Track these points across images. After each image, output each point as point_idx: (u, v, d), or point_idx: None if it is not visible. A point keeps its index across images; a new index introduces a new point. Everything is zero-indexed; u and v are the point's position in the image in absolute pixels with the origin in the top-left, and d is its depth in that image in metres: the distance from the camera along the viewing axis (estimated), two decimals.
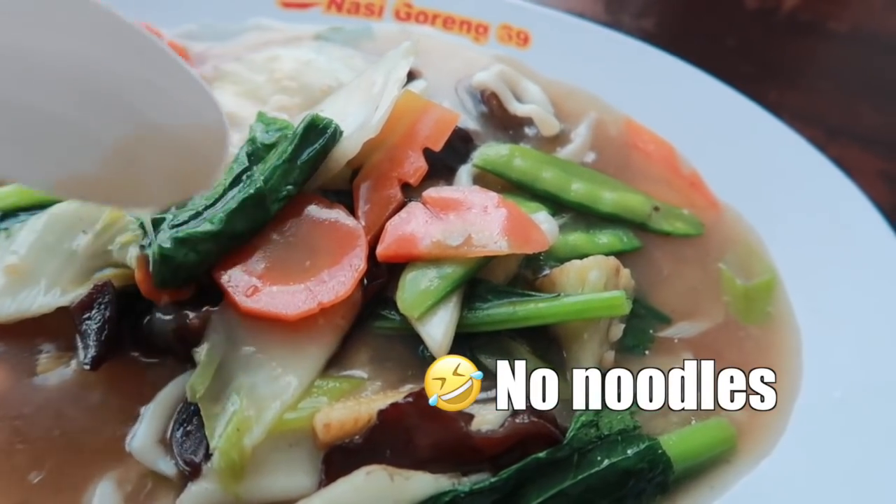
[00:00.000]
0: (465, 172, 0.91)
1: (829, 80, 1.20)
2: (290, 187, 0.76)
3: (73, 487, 0.68)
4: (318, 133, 0.79)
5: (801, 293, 0.85)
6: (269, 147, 0.82)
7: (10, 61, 0.50)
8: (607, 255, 0.83)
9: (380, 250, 0.75)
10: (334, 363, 0.74)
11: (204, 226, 0.72)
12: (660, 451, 0.70)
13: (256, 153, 0.81)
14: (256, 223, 0.74)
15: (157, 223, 0.75)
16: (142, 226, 0.74)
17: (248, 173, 0.78)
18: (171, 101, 0.57)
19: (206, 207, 0.75)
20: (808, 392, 0.78)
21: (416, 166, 0.83)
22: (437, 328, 0.72)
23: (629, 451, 0.70)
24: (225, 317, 0.73)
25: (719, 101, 1.01)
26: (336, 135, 0.79)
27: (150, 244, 0.72)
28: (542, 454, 0.68)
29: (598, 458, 0.69)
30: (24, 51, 0.50)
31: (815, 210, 0.91)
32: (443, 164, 0.91)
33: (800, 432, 0.75)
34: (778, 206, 0.92)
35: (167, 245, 0.71)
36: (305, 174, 0.77)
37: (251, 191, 0.74)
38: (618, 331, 0.78)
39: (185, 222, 0.74)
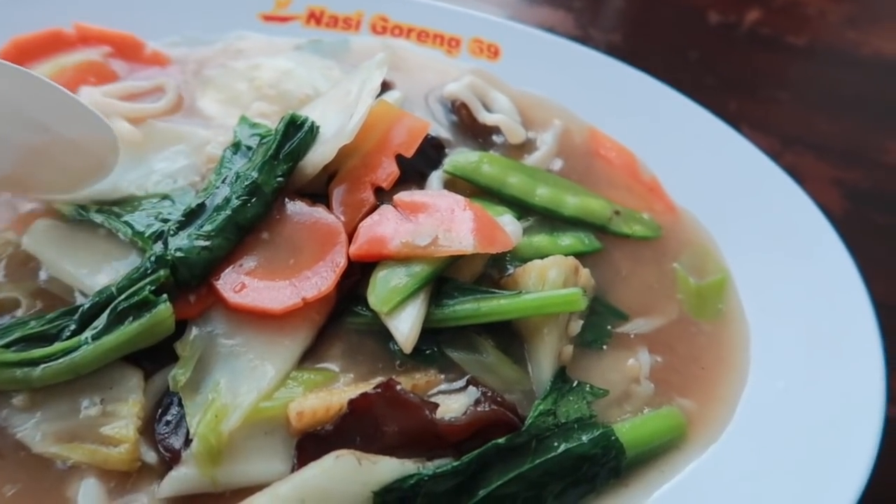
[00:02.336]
0: (436, 178, 0.96)
1: (786, 91, 1.26)
2: (279, 179, 0.83)
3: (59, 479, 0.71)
4: (297, 128, 0.87)
5: (751, 291, 0.90)
6: (252, 148, 0.88)
7: None
8: (569, 256, 0.88)
9: (352, 250, 0.80)
10: (310, 356, 0.79)
11: (207, 226, 0.79)
12: (613, 438, 0.76)
13: (242, 154, 0.89)
14: (256, 215, 0.80)
15: (158, 236, 0.80)
16: None
17: (237, 171, 0.84)
18: (70, 119, 0.80)
19: (199, 205, 0.81)
20: (755, 383, 0.83)
21: (388, 172, 0.88)
22: (405, 323, 0.77)
23: (584, 438, 0.75)
24: (207, 312, 0.78)
25: (679, 112, 1.06)
26: (313, 129, 0.86)
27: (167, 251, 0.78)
28: (501, 440, 0.72)
29: (555, 444, 0.74)
30: None
31: (766, 214, 0.96)
32: (415, 170, 0.96)
33: (746, 420, 0.80)
34: (731, 210, 0.97)
35: (184, 244, 0.77)
36: (289, 166, 0.84)
37: (247, 184, 0.81)
38: (576, 326, 0.83)
39: (186, 223, 0.80)
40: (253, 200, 0.80)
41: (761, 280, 0.91)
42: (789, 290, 0.90)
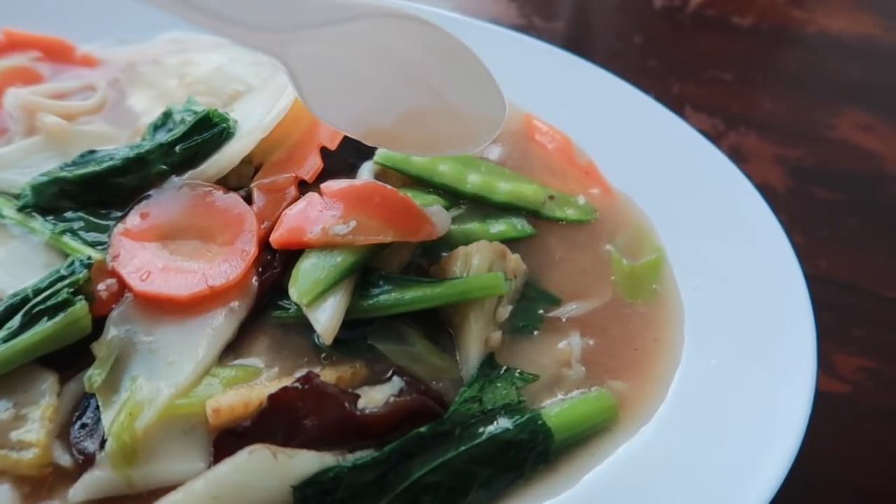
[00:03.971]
0: (366, 169, 0.95)
1: (731, 72, 1.26)
2: (163, 167, 0.84)
3: None
4: (207, 127, 0.87)
5: (686, 271, 0.89)
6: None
7: (374, 51, 0.75)
8: (501, 241, 0.87)
9: (273, 236, 0.80)
10: (233, 352, 0.78)
11: (91, 166, 0.84)
12: (540, 422, 0.75)
13: (164, 126, 0.91)
14: (130, 182, 0.84)
15: None
16: None
17: (144, 141, 0.88)
18: (467, 92, 0.79)
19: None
20: (688, 362, 0.82)
21: (312, 165, 0.87)
22: (325, 314, 0.76)
23: (510, 424, 0.74)
24: (124, 310, 0.76)
25: (615, 96, 1.06)
26: (224, 133, 0.86)
27: None
28: (423, 429, 0.71)
29: (480, 431, 0.73)
30: (386, 45, 0.75)
31: (702, 194, 0.95)
32: (345, 162, 0.95)
33: (678, 400, 0.79)
34: (668, 191, 0.96)
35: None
36: (181, 160, 0.85)
37: (133, 154, 0.84)
38: (504, 312, 0.82)
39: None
40: (130, 170, 0.83)
41: (696, 259, 0.90)
42: (724, 269, 0.89)
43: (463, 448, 0.71)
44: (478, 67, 0.77)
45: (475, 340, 0.79)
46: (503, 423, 0.74)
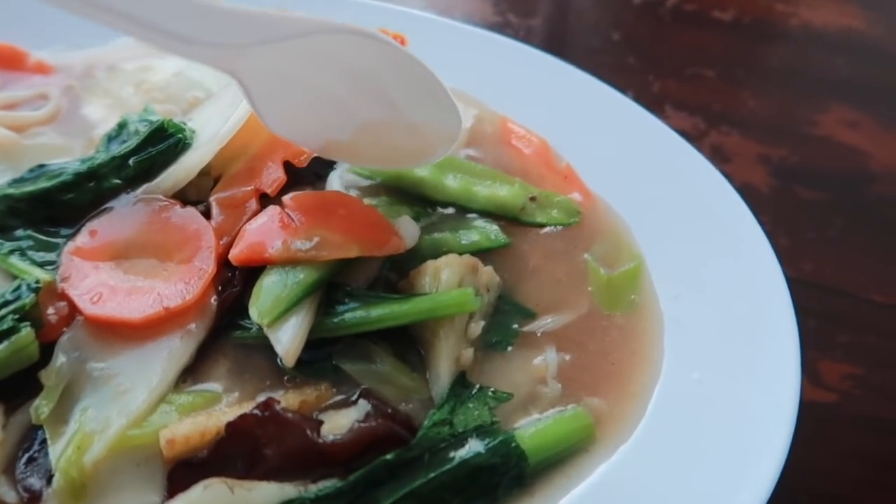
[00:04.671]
0: (335, 178, 0.91)
1: (712, 68, 1.22)
2: (117, 181, 0.80)
3: None
4: (162, 138, 0.82)
5: (666, 280, 0.86)
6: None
7: (329, 66, 0.75)
8: (474, 253, 0.84)
9: (232, 253, 0.76)
10: (191, 377, 0.74)
11: (41, 182, 0.81)
12: (513, 445, 0.71)
13: (119, 136, 0.87)
14: (82, 198, 0.81)
15: None
16: None
17: (97, 154, 0.84)
18: (423, 106, 0.79)
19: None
20: (668, 376, 0.79)
21: (274, 177, 0.83)
22: (286, 334, 0.72)
23: (482, 447, 0.70)
24: (75, 334, 0.72)
25: (592, 97, 1.02)
26: (180, 144, 0.82)
27: None
28: (389, 456, 0.68)
29: (451, 456, 0.70)
30: (341, 60, 0.75)
31: (682, 198, 0.91)
32: (311, 172, 0.92)
33: (658, 417, 0.76)
34: (647, 195, 0.92)
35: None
36: (136, 173, 0.81)
37: (84, 168, 0.81)
38: (477, 328, 0.78)
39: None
40: (82, 185, 0.80)
41: (676, 267, 0.87)
42: (705, 277, 0.85)
43: (432, 475, 0.68)
44: (433, 82, 0.78)
45: (445, 359, 0.75)
46: (475, 446, 0.70)
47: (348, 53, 0.74)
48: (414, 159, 0.84)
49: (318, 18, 0.72)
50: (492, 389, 0.76)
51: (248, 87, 0.73)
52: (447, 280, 0.76)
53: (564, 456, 0.73)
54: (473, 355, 0.77)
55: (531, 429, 0.73)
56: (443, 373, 0.75)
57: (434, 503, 0.67)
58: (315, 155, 0.86)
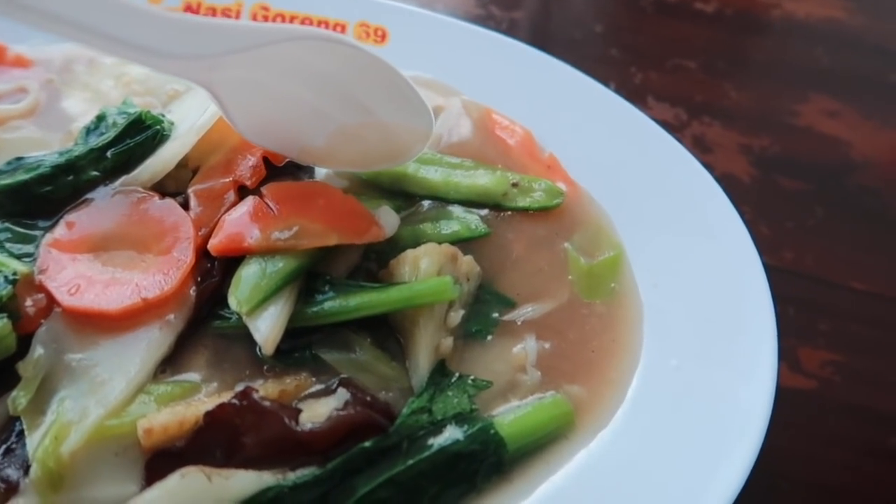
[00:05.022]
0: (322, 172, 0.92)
1: (694, 60, 1.22)
2: (95, 173, 0.80)
3: None
4: (140, 130, 0.82)
5: (645, 268, 0.86)
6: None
7: (298, 73, 0.75)
8: (454, 242, 0.84)
9: (211, 243, 0.76)
10: (170, 367, 0.74)
11: (19, 174, 0.80)
12: (492, 432, 0.71)
13: (97, 129, 0.86)
14: (60, 191, 0.80)
15: None
16: None
17: (75, 146, 0.84)
18: (394, 107, 0.80)
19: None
20: (647, 363, 0.79)
21: (252, 168, 0.83)
22: (265, 322, 0.72)
23: (460, 435, 0.70)
24: (53, 326, 0.72)
25: (576, 89, 1.02)
26: (158, 136, 0.82)
27: None
28: (367, 443, 0.68)
29: (429, 444, 0.70)
30: (310, 66, 0.75)
31: (662, 188, 0.92)
32: (291, 163, 0.92)
33: (637, 403, 0.76)
34: (627, 185, 0.93)
35: None
36: (114, 165, 0.81)
37: (63, 160, 0.80)
38: (456, 317, 0.78)
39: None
40: (60, 178, 0.79)
41: (656, 256, 0.87)
42: (684, 265, 0.86)
43: (411, 462, 0.68)
44: (401, 83, 0.78)
45: (425, 347, 0.75)
46: (454, 433, 0.70)
47: (316, 59, 0.75)
48: (389, 160, 0.85)
49: (284, 26, 0.76)
50: (471, 378, 0.76)
51: (220, 98, 0.75)
52: (426, 269, 0.76)
53: (544, 443, 0.74)
54: (453, 344, 0.77)
55: (510, 416, 0.74)
56: (422, 362, 0.75)
57: (412, 491, 0.68)
58: None
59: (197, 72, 0.72)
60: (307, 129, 0.80)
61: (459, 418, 0.72)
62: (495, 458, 0.71)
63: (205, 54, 0.71)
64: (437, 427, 0.71)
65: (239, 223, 0.77)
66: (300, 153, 0.83)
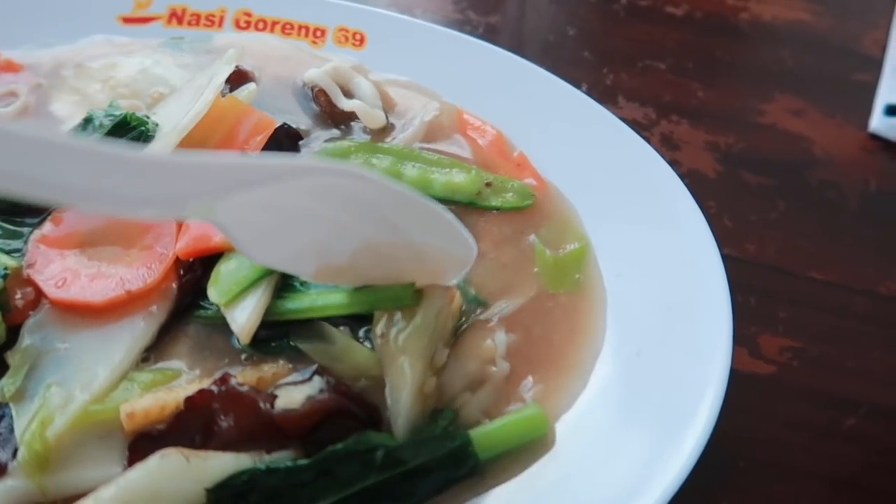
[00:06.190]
0: None
1: (663, 61, 1.27)
2: None
3: None
4: (126, 131, 0.86)
5: (610, 259, 0.90)
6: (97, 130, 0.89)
7: (315, 194, 0.66)
8: None
9: (178, 247, 0.79)
10: (155, 355, 0.77)
11: None
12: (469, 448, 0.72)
13: (84, 131, 0.89)
14: None
15: None
16: None
17: None
18: (427, 230, 0.73)
19: None
20: (609, 351, 0.83)
21: None
22: (242, 313, 0.76)
23: (436, 449, 0.71)
24: (40, 317, 0.76)
25: (547, 90, 1.05)
26: (143, 136, 0.85)
27: None
28: (339, 445, 0.69)
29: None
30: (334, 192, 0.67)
31: (627, 182, 0.95)
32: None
33: (597, 390, 0.80)
34: (594, 180, 0.96)
35: None
36: None
37: None
38: (442, 356, 0.78)
39: None
40: None
41: (620, 247, 0.91)
42: (647, 255, 0.89)
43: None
44: (437, 213, 0.72)
45: (412, 392, 0.73)
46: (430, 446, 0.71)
47: (342, 191, 0.67)
48: (423, 280, 0.77)
49: (297, 162, 0.70)
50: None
51: (225, 226, 0.65)
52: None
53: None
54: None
55: (486, 433, 0.73)
56: (405, 412, 0.73)
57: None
58: (271, 142, 0.89)
59: (195, 211, 0.64)
60: (327, 248, 0.72)
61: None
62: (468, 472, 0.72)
63: (207, 193, 0.61)
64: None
65: (203, 223, 0.79)
66: (319, 272, 0.75)
